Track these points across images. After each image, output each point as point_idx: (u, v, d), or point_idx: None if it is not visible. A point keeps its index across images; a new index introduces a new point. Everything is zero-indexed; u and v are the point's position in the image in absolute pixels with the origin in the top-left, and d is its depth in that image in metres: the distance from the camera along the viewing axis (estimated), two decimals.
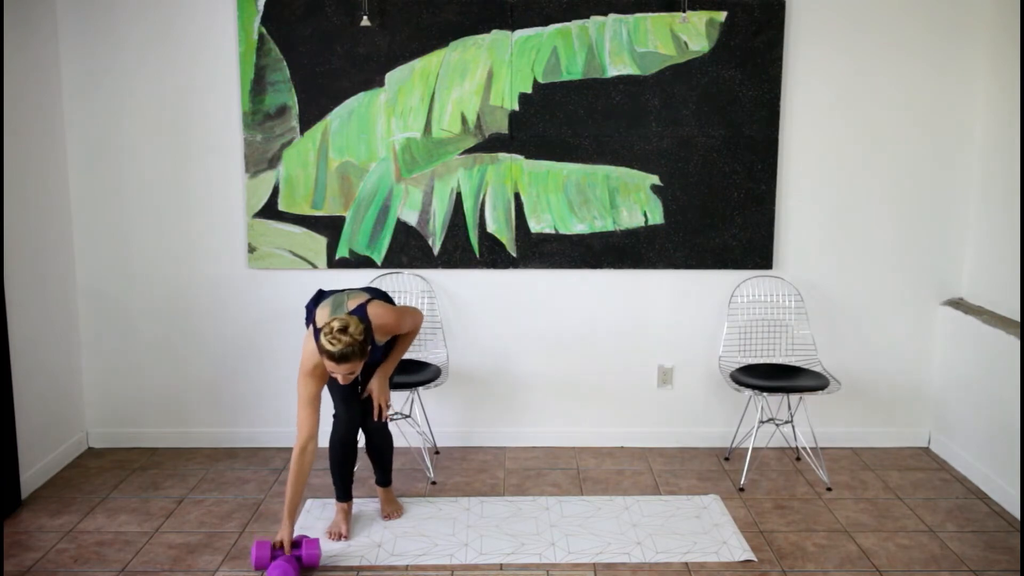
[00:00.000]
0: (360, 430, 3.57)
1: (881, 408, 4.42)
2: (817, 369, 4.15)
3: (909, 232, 4.28)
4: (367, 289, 3.49)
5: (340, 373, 3.14)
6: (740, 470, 4.09)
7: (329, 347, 3.08)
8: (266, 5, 4.04)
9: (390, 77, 4.10)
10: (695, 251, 4.25)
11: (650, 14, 4.08)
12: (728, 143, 4.17)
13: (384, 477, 3.66)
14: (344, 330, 3.09)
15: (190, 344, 4.32)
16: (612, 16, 4.08)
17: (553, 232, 4.23)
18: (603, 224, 4.22)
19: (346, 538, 3.44)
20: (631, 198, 4.20)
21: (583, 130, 4.15)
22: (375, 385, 3.49)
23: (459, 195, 4.19)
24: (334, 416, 3.54)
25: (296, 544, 3.23)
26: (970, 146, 4.21)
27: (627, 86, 4.12)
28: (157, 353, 4.33)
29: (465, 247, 4.23)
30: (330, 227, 4.20)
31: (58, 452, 4.10)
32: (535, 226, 4.22)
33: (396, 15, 4.06)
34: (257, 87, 4.10)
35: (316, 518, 3.61)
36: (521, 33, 4.08)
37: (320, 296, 3.44)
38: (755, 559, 3.29)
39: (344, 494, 3.55)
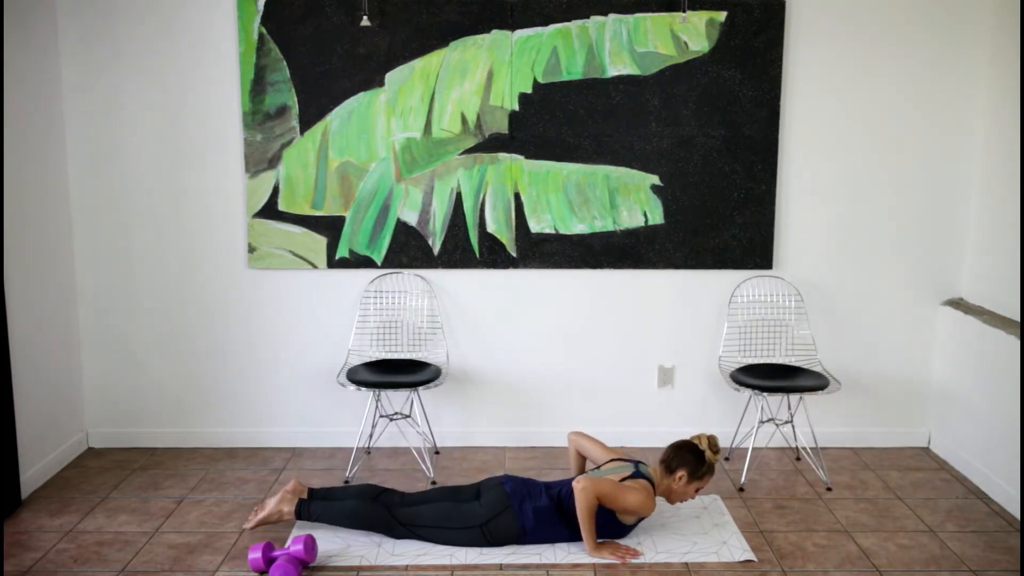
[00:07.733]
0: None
1: (881, 408, 4.41)
2: (817, 369, 4.15)
3: (909, 232, 4.28)
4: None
5: (703, 488, 3.51)
6: (740, 470, 4.09)
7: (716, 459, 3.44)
8: (266, 5, 4.04)
9: (390, 77, 4.10)
10: (695, 251, 4.25)
11: (650, 14, 4.08)
12: (728, 143, 4.17)
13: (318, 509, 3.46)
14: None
15: (190, 344, 4.32)
16: (612, 16, 4.08)
17: (553, 232, 4.23)
18: (603, 224, 4.22)
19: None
20: (631, 198, 4.20)
21: (583, 130, 4.15)
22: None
23: (459, 195, 4.19)
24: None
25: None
26: (970, 145, 4.21)
27: (627, 86, 4.12)
28: (157, 353, 4.33)
29: (465, 247, 4.23)
30: (330, 227, 4.20)
31: (58, 452, 4.10)
32: (535, 226, 4.22)
33: (396, 15, 4.06)
34: (257, 87, 4.10)
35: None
36: (521, 33, 4.08)
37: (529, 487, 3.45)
38: (755, 559, 3.29)
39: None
